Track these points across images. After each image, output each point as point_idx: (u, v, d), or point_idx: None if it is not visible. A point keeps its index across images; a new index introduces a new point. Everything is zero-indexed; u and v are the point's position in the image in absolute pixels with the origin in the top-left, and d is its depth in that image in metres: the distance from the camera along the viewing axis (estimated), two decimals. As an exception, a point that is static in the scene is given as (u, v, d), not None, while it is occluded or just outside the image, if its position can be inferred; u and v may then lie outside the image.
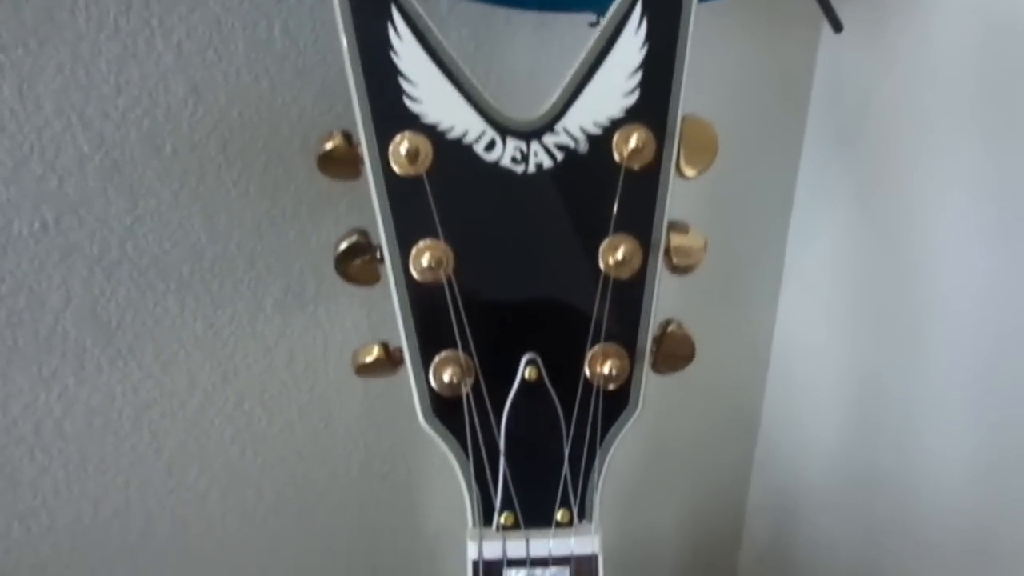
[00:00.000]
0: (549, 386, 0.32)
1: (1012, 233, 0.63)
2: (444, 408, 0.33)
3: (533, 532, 0.35)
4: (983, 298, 0.66)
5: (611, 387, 0.33)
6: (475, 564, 0.34)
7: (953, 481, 0.72)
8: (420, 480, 0.65)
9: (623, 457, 0.80)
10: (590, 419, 0.33)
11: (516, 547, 0.35)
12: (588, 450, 0.34)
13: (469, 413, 0.33)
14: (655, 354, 0.33)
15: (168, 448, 0.53)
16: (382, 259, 0.31)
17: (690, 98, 0.31)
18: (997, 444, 0.68)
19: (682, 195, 0.73)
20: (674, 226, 0.32)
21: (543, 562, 0.35)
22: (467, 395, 0.32)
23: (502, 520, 0.35)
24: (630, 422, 0.33)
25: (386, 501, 0.64)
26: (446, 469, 0.72)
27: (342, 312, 0.56)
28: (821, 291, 0.79)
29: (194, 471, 0.55)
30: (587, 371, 0.33)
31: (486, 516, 0.35)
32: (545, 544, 0.35)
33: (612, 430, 0.34)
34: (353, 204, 0.53)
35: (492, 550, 0.35)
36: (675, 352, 0.33)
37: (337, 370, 0.58)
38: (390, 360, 0.33)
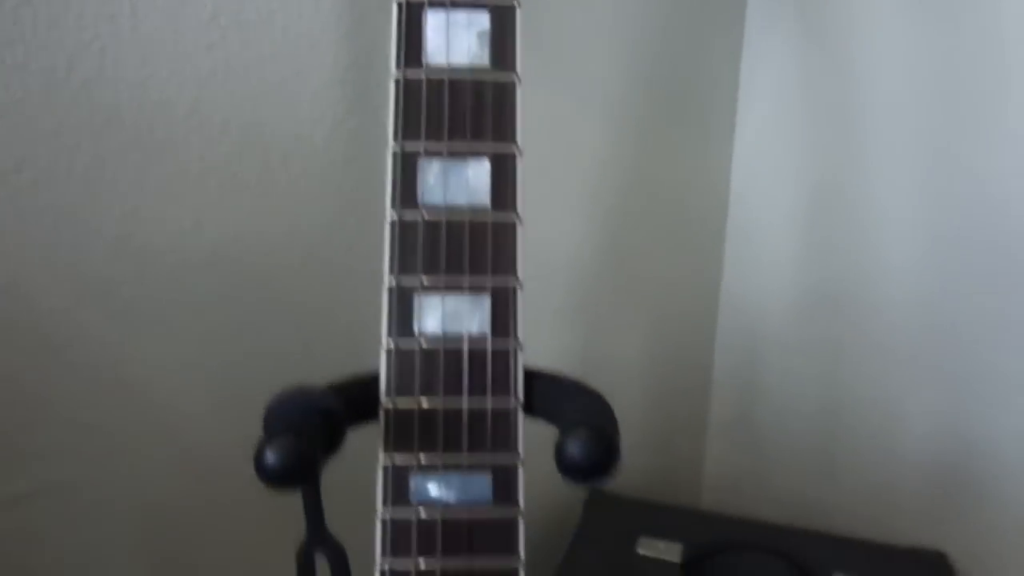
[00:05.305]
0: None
1: (948, 34, 0.69)
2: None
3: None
4: (922, 100, 0.72)
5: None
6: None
7: (907, 276, 0.77)
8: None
9: (587, 294, 0.81)
10: None
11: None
12: None
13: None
14: None
15: (145, 27, 0.54)
16: None
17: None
18: (944, 235, 0.74)
19: (635, 34, 0.80)
20: None
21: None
22: None
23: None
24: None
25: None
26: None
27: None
28: (775, 118, 0.85)
29: (165, 71, 0.56)
30: None
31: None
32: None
33: None
34: None
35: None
36: None
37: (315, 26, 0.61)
38: None
